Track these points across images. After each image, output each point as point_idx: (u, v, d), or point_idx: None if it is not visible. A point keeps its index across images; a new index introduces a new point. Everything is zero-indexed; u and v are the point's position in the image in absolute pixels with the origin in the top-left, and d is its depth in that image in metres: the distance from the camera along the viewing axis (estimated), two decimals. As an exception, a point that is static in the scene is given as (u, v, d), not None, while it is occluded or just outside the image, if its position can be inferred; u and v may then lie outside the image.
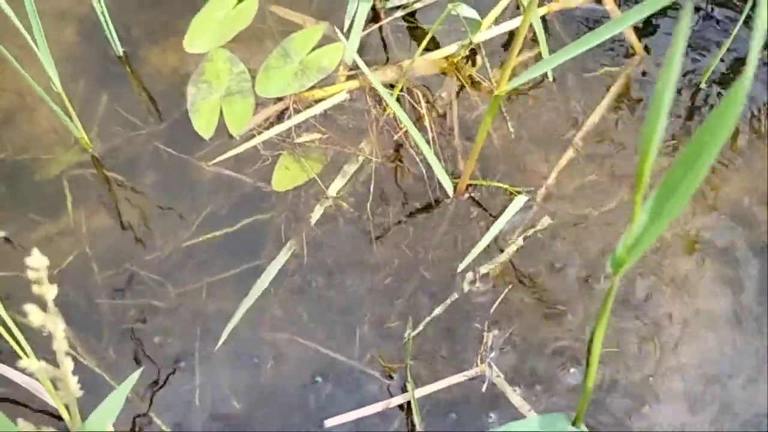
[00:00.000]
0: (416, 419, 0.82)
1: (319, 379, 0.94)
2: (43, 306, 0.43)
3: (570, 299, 0.98)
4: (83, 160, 1.09)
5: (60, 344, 0.45)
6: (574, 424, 0.56)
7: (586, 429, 0.58)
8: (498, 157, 1.06)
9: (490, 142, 1.07)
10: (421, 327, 0.94)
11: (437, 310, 0.96)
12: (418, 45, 1.14)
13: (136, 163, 1.08)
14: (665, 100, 0.39)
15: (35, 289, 0.42)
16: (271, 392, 0.94)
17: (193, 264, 1.02)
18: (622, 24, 0.74)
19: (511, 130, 1.08)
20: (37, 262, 0.41)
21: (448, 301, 0.97)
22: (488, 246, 1.00)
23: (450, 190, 0.97)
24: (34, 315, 0.43)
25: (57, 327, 0.44)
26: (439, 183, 1.01)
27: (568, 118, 1.10)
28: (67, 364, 0.46)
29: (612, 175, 1.07)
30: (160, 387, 0.97)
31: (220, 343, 0.97)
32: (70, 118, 1.00)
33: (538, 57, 1.13)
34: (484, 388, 0.87)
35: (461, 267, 0.96)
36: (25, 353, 0.70)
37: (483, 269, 0.98)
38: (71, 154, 1.10)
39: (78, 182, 1.08)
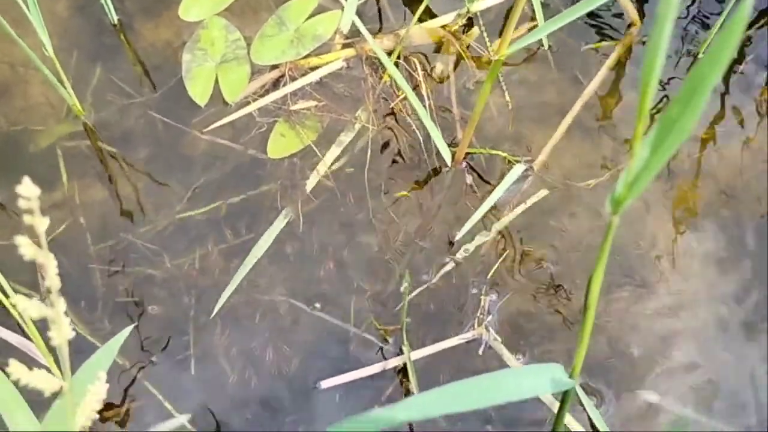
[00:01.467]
0: (412, 380, 0.82)
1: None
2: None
3: (566, 266, 0.98)
4: (76, 130, 1.08)
5: (52, 281, 0.44)
6: (571, 376, 0.55)
7: (578, 384, 0.58)
8: (495, 126, 1.06)
9: (488, 112, 1.07)
10: (416, 292, 0.94)
11: (434, 277, 0.96)
12: (414, 13, 1.13)
13: (130, 132, 1.07)
14: (665, 30, 0.38)
15: (26, 219, 0.41)
16: (265, 358, 0.94)
17: (188, 234, 1.01)
18: None
19: (508, 99, 1.07)
20: (28, 190, 0.40)
21: (446, 268, 0.96)
22: (485, 214, 1.00)
23: (448, 159, 0.96)
24: (25, 248, 0.42)
25: (49, 262, 0.43)
26: (437, 151, 1.00)
27: (565, 88, 1.10)
28: (60, 304, 0.46)
29: (609, 145, 1.06)
30: (155, 356, 0.97)
31: (215, 311, 0.97)
32: (63, 84, 0.99)
33: (532, 28, 1.13)
34: (480, 350, 0.86)
35: (459, 235, 0.95)
36: (17, 311, 0.69)
37: (480, 237, 0.98)
38: (64, 126, 1.10)
39: (71, 153, 1.07)
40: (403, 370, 0.90)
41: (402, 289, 0.76)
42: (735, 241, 1.02)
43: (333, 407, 0.90)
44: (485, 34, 1.11)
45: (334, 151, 1.03)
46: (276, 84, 1.07)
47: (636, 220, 1.03)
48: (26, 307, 0.45)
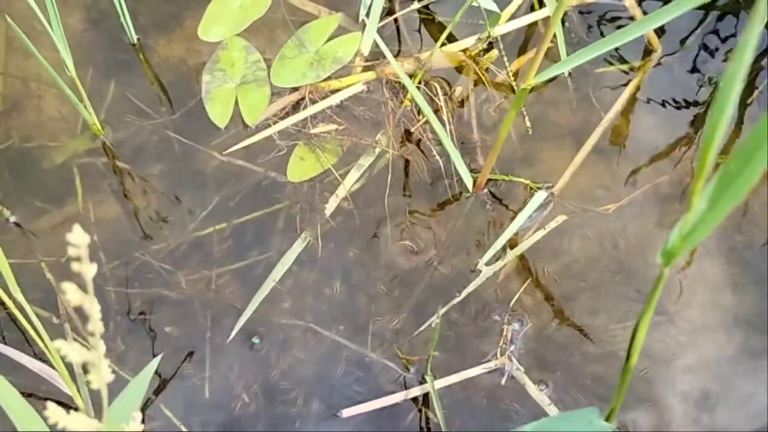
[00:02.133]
0: (436, 409, 0.81)
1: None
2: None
3: (585, 294, 0.97)
4: (91, 148, 1.08)
5: (96, 326, 0.43)
6: (607, 419, 0.55)
7: (615, 427, 0.57)
8: (514, 151, 1.06)
9: (507, 137, 1.06)
10: (434, 320, 0.94)
11: (455, 304, 0.95)
12: (433, 37, 1.13)
13: (147, 151, 1.07)
14: (733, 90, 0.38)
15: (75, 266, 0.41)
16: (285, 383, 0.93)
17: (204, 254, 1.01)
18: (649, 25, 0.74)
19: (529, 125, 1.07)
20: (78, 238, 0.39)
21: (466, 293, 0.96)
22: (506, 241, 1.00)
23: (470, 185, 0.96)
24: (71, 294, 0.42)
25: (94, 307, 0.43)
26: (458, 176, 1.00)
27: (583, 112, 1.09)
28: (101, 348, 0.45)
29: (626, 170, 1.06)
30: (170, 377, 0.96)
31: (233, 333, 0.96)
32: (83, 103, 0.99)
33: (549, 51, 1.13)
34: (503, 381, 0.86)
35: (482, 262, 0.95)
36: (41, 338, 0.69)
37: (500, 264, 0.98)
38: (79, 142, 1.09)
39: (87, 170, 1.06)
40: (423, 399, 0.89)
41: (433, 324, 0.76)
42: (747, 266, 1.02)
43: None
44: (505, 58, 1.10)
45: (354, 174, 1.03)
46: (296, 106, 1.06)
47: (652, 243, 1.02)
48: (68, 352, 0.44)
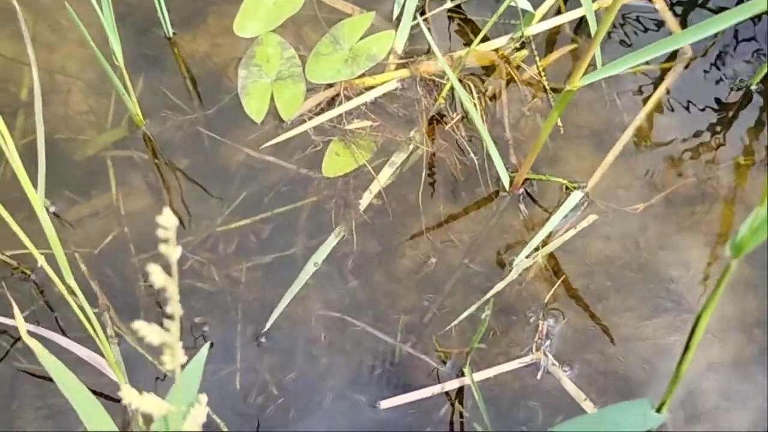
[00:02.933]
0: (478, 401, 0.82)
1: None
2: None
3: (617, 291, 0.98)
4: (119, 140, 1.08)
5: (175, 309, 0.44)
6: (659, 410, 0.56)
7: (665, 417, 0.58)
8: (545, 150, 1.07)
9: (538, 134, 1.07)
10: (468, 312, 0.95)
11: (489, 300, 0.96)
12: (464, 36, 1.14)
13: (181, 145, 1.08)
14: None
15: (162, 248, 0.42)
16: (320, 374, 0.94)
17: (237, 247, 1.02)
18: (687, 39, 0.74)
19: (560, 124, 1.08)
20: (168, 221, 0.40)
21: (496, 290, 0.97)
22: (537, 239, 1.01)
23: (507, 183, 0.97)
24: (156, 276, 0.43)
25: (174, 291, 0.44)
26: (492, 174, 1.01)
27: (606, 113, 1.10)
28: (176, 331, 0.46)
29: (655, 169, 1.07)
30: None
31: (268, 325, 0.97)
32: (128, 93, 1.00)
33: (575, 51, 1.14)
34: (539, 376, 0.87)
35: (517, 259, 0.96)
36: (91, 324, 0.70)
37: (533, 261, 0.99)
38: (109, 135, 1.10)
39: (118, 162, 1.07)
40: (457, 393, 0.90)
41: (483, 316, 0.77)
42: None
43: (382, 427, 0.91)
44: (537, 58, 1.12)
45: (388, 171, 1.04)
46: (331, 103, 1.07)
47: (679, 245, 1.03)
48: (147, 333, 0.45)
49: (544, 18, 1.14)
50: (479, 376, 0.87)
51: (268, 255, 1.01)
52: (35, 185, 1.08)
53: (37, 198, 0.61)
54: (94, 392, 0.94)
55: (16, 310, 0.66)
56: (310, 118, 1.06)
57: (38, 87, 0.63)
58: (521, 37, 1.10)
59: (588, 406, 0.86)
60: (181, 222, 1.03)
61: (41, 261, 0.63)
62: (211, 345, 0.98)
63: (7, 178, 1.06)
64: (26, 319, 0.94)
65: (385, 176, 1.04)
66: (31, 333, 0.80)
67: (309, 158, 1.05)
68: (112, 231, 1.04)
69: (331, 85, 1.08)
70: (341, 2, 1.16)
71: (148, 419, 0.90)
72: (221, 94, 1.10)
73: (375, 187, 1.03)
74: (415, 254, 1.00)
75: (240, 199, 1.04)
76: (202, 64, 1.13)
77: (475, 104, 1.05)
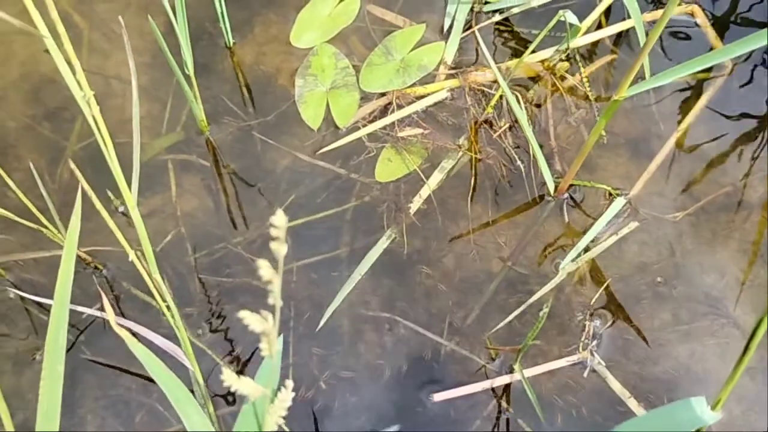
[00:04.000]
0: (531, 398, 0.86)
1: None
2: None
3: (653, 295, 1.02)
4: (176, 144, 1.13)
5: (277, 300, 0.49)
6: (713, 409, 0.60)
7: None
8: (589, 159, 1.10)
9: (581, 141, 1.11)
10: (512, 316, 0.99)
11: (532, 300, 1.00)
12: (511, 48, 1.18)
13: (240, 150, 1.12)
14: None
15: (272, 245, 0.46)
16: (370, 369, 0.99)
17: (291, 246, 1.06)
18: (732, 53, 0.78)
19: (604, 133, 1.12)
20: (280, 221, 0.45)
21: (542, 293, 1.01)
22: (579, 243, 1.05)
23: (552, 189, 1.01)
24: (264, 270, 0.48)
25: (278, 283, 0.49)
26: (537, 180, 1.05)
27: (652, 122, 1.14)
28: (272, 320, 0.51)
29: (698, 180, 1.10)
30: (251, 363, 1.01)
31: (322, 322, 1.02)
32: (197, 100, 1.05)
33: (612, 62, 1.17)
34: (585, 374, 0.91)
35: (563, 263, 1.00)
36: (173, 316, 0.75)
37: (575, 265, 1.03)
38: (165, 139, 1.15)
39: (176, 165, 1.12)
40: (503, 390, 0.95)
41: (540, 314, 0.81)
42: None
43: (432, 421, 0.95)
44: (582, 70, 1.16)
45: (437, 176, 1.09)
46: (384, 111, 1.12)
47: (714, 251, 1.06)
48: (251, 321, 0.50)
49: (587, 31, 1.18)
50: (528, 373, 0.91)
51: (321, 254, 1.06)
52: (93, 187, 1.13)
53: (132, 198, 0.66)
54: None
55: (105, 301, 0.72)
56: (364, 126, 1.11)
57: (136, 91, 0.68)
58: (567, 49, 1.14)
59: (632, 404, 0.89)
60: (242, 222, 1.09)
61: (132, 256, 0.68)
62: (256, 350, 1.02)
63: (65, 179, 1.11)
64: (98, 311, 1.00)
65: (434, 181, 1.08)
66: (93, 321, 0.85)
67: (363, 164, 1.10)
68: (171, 230, 1.09)
69: (383, 94, 1.13)
70: (390, 15, 1.21)
71: (215, 405, 0.95)
72: (279, 102, 1.15)
73: (425, 192, 1.08)
74: (461, 256, 1.05)
75: (294, 200, 1.09)
76: (260, 73, 1.18)
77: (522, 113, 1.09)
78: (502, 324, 0.99)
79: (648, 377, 0.96)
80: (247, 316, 0.51)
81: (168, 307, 0.74)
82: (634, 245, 1.06)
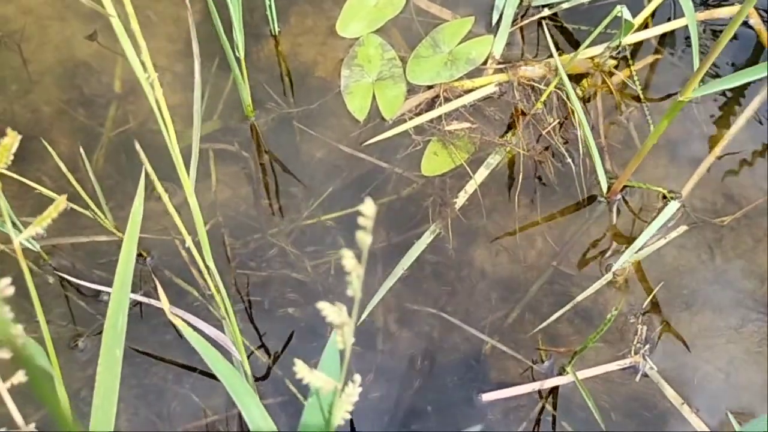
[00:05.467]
0: (587, 400, 0.85)
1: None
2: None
3: (695, 300, 1.00)
4: (213, 132, 1.12)
5: (356, 292, 0.48)
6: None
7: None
8: (623, 158, 1.08)
9: (630, 142, 1.09)
10: (557, 315, 0.97)
11: (576, 301, 0.99)
12: (559, 44, 1.16)
13: (282, 139, 1.11)
14: None
15: (359, 234, 0.45)
16: (411, 365, 0.97)
17: (326, 237, 1.05)
18: None
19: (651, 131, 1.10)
20: (368, 210, 0.44)
21: (586, 295, 0.99)
22: (625, 244, 1.03)
23: (605, 189, 0.99)
24: (348, 261, 0.46)
25: (360, 274, 0.47)
26: (586, 179, 1.04)
27: (701, 125, 1.12)
28: (344, 312, 0.50)
29: (739, 185, 1.08)
30: (291, 356, 1.00)
31: (362, 317, 1.00)
32: (245, 84, 1.04)
33: (656, 61, 1.16)
34: (637, 378, 0.89)
35: (616, 265, 0.98)
36: (224, 304, 0.74)
37: (623, 267, 1.01)
38: (202, 127, 1.14)
39: (214, 153, 1.11)
40: (549, 392, 0.93)
41: (609, 316, 0.80)
42: None
43: (477, 420, 0.94)
44: (633, 68, 1.14)
45: (483, 171, 1.07)
46: (430, 104, 1.11)
47: (754, 257, 1.04)
48: (330, 313, 0.49)
49: (636, 29, 1.16)
50: (579, 376, 0.90)
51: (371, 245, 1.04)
52: (129, 174, 1.12)
53: (190, 185, 0.65)
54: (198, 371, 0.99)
55: (160, 289, 0.70)
56: (410, 118, 1.09)
57: (198, 77, 0.67)
58: (618, 46, 1.12)
59: (685, 410, 0.88)
60: (279, 212, 1.07)
61: (189, 242, 0.67)
62: (292, 334, 1.01)
63: (99, 166, 1.10)
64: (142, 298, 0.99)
65: (480, 177, 1.07)
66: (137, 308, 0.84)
67: (407, 157, 1.08)
68: (210, 219, 1.08)
69: (430, 87, 1.12)
70: (436, 7, 1.20)
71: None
72: (321, 92, 1.14)
73: (471, 187, 1.06)
74: (505, 253, 1.03)
75: (338, 192, 1.07)
76: (305, 61, 1.17)
77: (572, 110, 1.07)
78: (546, 323, 0.98)
79: (687, 382, 0.95)
80: (325, 308, 0.49)
81: (221, 296, 0.72)
82: (673, 249, 1.04)
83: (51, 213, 0.52)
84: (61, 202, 0.52)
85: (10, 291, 0.45)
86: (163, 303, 0.68)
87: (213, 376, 0.96)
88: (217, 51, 1.17)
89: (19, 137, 0.52)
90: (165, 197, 0.65)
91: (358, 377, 0.57)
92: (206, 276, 0.69)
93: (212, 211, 1.08)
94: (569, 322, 0.99)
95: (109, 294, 0.94)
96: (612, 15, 0.96)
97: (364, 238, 0.46)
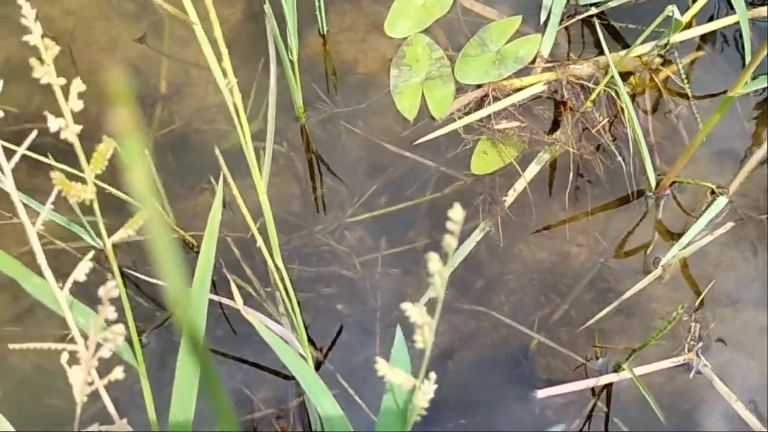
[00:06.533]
0: (648, 398, 0.86)
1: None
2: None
3: (741, 297, 1.01)
4: (258, 131, 1.13)
5: (440, 293, 0.50)
6: None
7: None
8: (671, 155, 1.09)
9: (678, 138, 1.10)
10: (604, 312, 0.99)
11: (628, 294, 1.00)
12: (607, 42, 1.17)
13: (331, 138, 1.13)
14: None
15: (446, 239, 0.47)
16: (462, 362, 0.99)
17: (375, 238, 1.07)
18: None
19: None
20: (457, 215, 0.46)
21: (633, 292, 1.00)
22: (671, 240, 1.04)
23: (653, 185, 1.00)
24: (433, 263, 0.48)
25: (445, 277, 0.49)
26: (635, 177, 1.05)
27: (741, 121, 1.12)
28: (437, 312, 0.52)
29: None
30: (339, 350, 1.02)
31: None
32: (297, 85, 1.06)
33: (697, 58, 1.16)
34: (691, 375, 0.90)
35: (664, 261, 0.99)
36: (290, 301, 0.76)
37: (670, 263, 1.02)
38: (250, 126, 1.16)
39: (260, 152, 1.12)
40: (601, 389, 0.94)
41: (674, 314, 0.81)
42: None
43: (532, 416, 0.95)
44: (680, 65, 1.14)
45: (533, 169, 1.08)
46: (479, 103, 1.12)
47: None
48: (412, 314, 0.51)
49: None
50: (639, 371, 0.91)
51: (407, 245, 1.06)
52: (175, 174, 1.14)
53: (263, 185, 0.67)
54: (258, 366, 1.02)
55: (234, 288, 0.73)
56: (459, 117, 1.10)
57: (274, 80, 0.69)
58: (666, 44, 1.12)
59: (739, 407, 0.89)
60: (323, 210, 1.09)
61: (259, 241, 0.69)
62: (340, 330, 1.03)
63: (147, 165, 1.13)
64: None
65: (530, 175, 1.08)
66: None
67: (458, 156, 1.10)
68: (259, 218, 1.10)
69: (479, 86, 1.13)
70: (479, 6, 1.21)
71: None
72: (371, 91, 1.15)
73: (520, 185, 1.07)
74: (552, 250, 1.04)
75: (383, 189, 1.09)
76: (353, 61, 1.18)
77: (622, 108, 1.08)
78: (595, 319, 0.99)
79: (732, 379, 0.95)
80: (408, 308, 0.51)
81: (287, 293, 0.75)
82: (715, 246, 1.05)
83: (141, 217, 0.55)
84: (155, 206, 0.54)
85: (115, 293, 0.48)
86: (237, 301, 0.70)
87: (264, 370, 0.98)
88: (263, 50, 1.19)
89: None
90: (239, 199, 0.68)
91: (433, 375, 0.59)
92: (275, 274, 0.72)
93: (260, 209, 1.10)
94: (611, 319, 1.00)
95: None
96: (663, 14, 0.97)
97: (450, 243, 0.48)
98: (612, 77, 1.00)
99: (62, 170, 0.56)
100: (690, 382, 0.95)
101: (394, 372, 0.54)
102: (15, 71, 1.20)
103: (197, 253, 1.05)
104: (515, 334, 1.00)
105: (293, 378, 0.98)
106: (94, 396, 1.01)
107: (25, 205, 0.53)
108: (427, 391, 0.58)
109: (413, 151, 1.11)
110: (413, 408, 0.57)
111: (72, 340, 0.52)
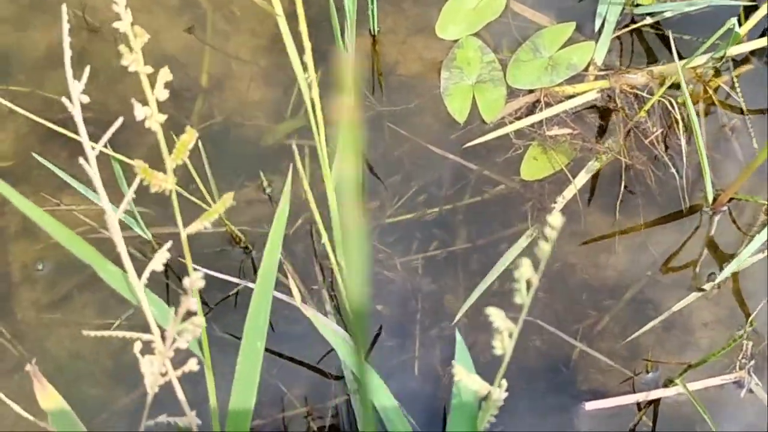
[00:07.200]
0: (705, 415, 0.85)
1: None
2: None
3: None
4: (301, 128, 1.13)
5: (525, 299, 0.49)
6: None
7: None
8: (738, 171, 1.08)
9: (732, 153, 1.09)
10: (649, 325, 0.97)
11: (677, 307, 0.99)
12: (660, 52, 1.16)
13: (381, 139, 1.12)
14: None
15: (540, 245, 0.46)
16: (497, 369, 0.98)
17: (416, 240, 1.06)
18: None
19: (756, 146, 1.09)
20: (555, 221, 0.45)
21: (679, 307, 0.99)
22: (718, 255, 1.02)
23: (711, 200, 0.99)
24: (525, 269, 0.47)
25: (535, 283, 0.49)
26: (689, 190, 1.03)
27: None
28: (520, 319, 0.51)
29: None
30: (376, 351, 1.01)
31: (457, 318, 1.01)
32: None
33: (752, 71, 1.14)
34: (742, 394, 0.89)
35: (719, 278, 0.98)
36: (344, 297, 0.75)
37: (721, 280, 1.00)
38: (290, 123, 1.15)
39: (301, 150, 1.11)
40: (647, 404, 0.93)
41: (740, 332, 0.80)
42: None
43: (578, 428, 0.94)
44: (735, 79, 1.13)
45: (583, 177, 1.07)
46: (530, 108, 1.11)
47: None
48: (496, 318, 0.50)
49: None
50: (693, 386, 0.90)
51: (457, 247, 1.05)
52: (215, 167, 1.12)
53: (331, 180, 0.66)
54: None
55: (292, 284, 0.72)
56: (510, 122, 1.09)
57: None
58: (723, 57, 1.11)
59: (791, 427, 0.87)
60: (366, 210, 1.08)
61: (324, 238, 0.69)
62: (380, 330, 1.02)
63: (194, 161, 1.12)
64: (242, 291, 1.01)
65: (581, 182, 1.07)
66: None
67: (508, 160, 1.09)
68: (302, 214, 1.09)
69: (531, 91, 1.12)
70: (530, 11, 1.20)
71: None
72: (421, 92, 1.15)
73: (569, 192, 1.06)
74: (599, 260, 1.03)
75: (419, 191, 1.08)
76: (403, 62, 1.18)
77: (676, 119, 1.07)
78: (641, 331, 0.98)
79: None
80: (492, 313, 0.50)
81: (344, 292, 0.74)
82: (762, 263, 1.03)
83: (218, 208, 0.54)
84: (228, 198, 0.53)
85: (201, 284, 0.47)
86: (296, 297, 0.70)
87: (305, 366, 0.97)
88: (303, 48, 1.18)
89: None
90: (308, 190, 0.67)
91: (504, 383, 0.58)
92: (336, 271, 0.71)
93: (300, 205, 1.10)
94: (648, 332, 0.99)
95: (218, 285, 0.97)
96: (725, 27, 0.96)
97: (545, 248, 0.47)
98: (668, 87, 0.99)
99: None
100: (732, 399, 0.93)
101: (471, 378, 0.53)
102: (56, 59, 1.20)
103: (244, 248, 1.05)
104: (558, 342, 0.99)
105: (335, 377, 0.97)
106: (127, 385, 1.00)
107: (66, 190, 0.52)
108: (497, 399, 0.58)
109: (460, 155, 1.10)
110: (484, 413, 0.56)
111: (119, 328, 0.52)
